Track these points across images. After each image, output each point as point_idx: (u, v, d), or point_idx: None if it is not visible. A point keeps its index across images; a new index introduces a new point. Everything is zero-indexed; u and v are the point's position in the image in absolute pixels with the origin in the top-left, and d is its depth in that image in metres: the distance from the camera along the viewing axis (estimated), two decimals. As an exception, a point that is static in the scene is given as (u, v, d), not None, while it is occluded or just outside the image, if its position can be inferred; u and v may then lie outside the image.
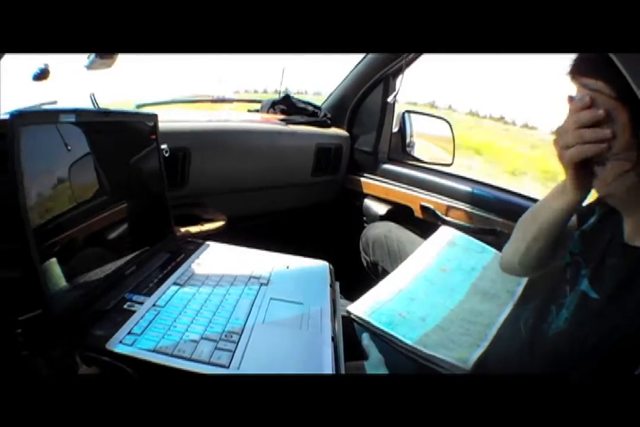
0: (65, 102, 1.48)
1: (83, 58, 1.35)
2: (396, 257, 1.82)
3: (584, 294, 0.99)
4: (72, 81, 1.55)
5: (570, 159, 0.92)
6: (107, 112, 1.19)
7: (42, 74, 1.36)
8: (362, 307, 1.34)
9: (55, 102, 1.54)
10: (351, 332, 1.26)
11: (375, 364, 1.17)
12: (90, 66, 1.38)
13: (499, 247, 1.65)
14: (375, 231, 2.02)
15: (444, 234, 1.77)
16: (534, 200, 1.69)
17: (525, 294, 1.43)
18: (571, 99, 0.93)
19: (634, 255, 0.94)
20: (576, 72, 0.91)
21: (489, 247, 1.73)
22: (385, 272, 1.78)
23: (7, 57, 0.84)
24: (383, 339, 1.27)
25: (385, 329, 1.27)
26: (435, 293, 1.48)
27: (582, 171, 0.95)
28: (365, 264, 2.05)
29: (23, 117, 0.85)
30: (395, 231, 1.98)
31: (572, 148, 0.91)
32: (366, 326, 1.29)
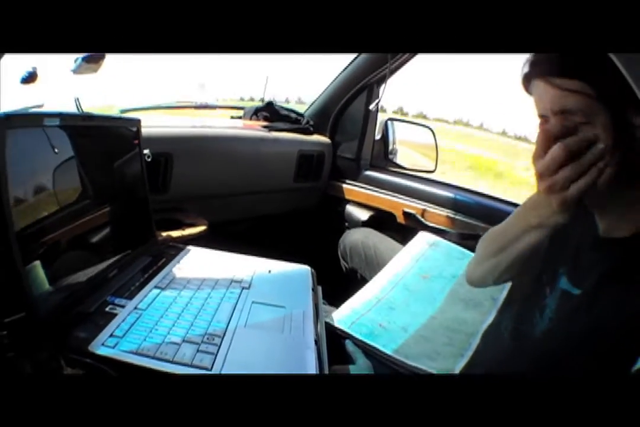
0: (52, 105, 1.48)
1: (70, 62, 1.35)
2: (373, 263, 1.82)
3: (565, 292, 0.99)
4: (60, 85, 1.54)
5: (572, 197, 0.86)
6: (90, 117, 1.19)
7: (30, 77, 1.36)
8: (342, 319, 1.34)
9: (42, 106, 1.54)
10: (335, 337, 1.26)
11: (360, 369, 1.17)
12: (76, 70, 1.38)
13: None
14: (353, 237, 2.02)
15: (422, 239, 1.77)
16: (515, 205, 1.71)
17: (507, 301, 1.41)
18: (545, 119, 0.93)
19: (614, 246, 0.93)
20: (548, 73, 0.89)
21: (469, 253, 1.72)
22: (364, 279, 1.78)
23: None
24: (365, 350, 1.27)
25: (366, 341, 1.27)
26: (416, 302, 1.47)
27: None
28: (344, 270, 2.05)
29: (9, 120, 0.86)
30: (372, 237, 1.98)
31: (572, 186, 0.85)
32: (348, 337, 1.29)
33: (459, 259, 1.69)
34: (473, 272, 1.29)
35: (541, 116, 0.94)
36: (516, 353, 1.06)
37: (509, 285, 1.40)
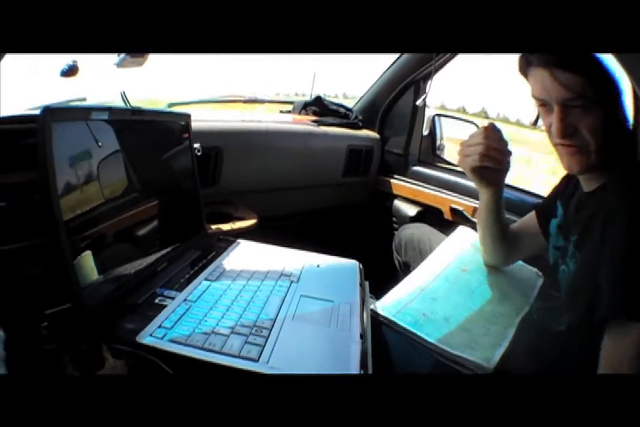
0: (94, 98, 1.50)
1: (113, 55, 1.37)
2: (427, 257, 1.82)
3: (572, 256, 1.10)
4: (100, 78, 1.56)
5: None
6: (140, 111, 1.20)
7: (70, 71, 1.38)
8: (387, 307, 1.34)
9: (84, 99, 1.56)
10: (378, 331, 1.26)
11: (403, 357, 1.19)
12: (120, 64, 1.39)
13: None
14: (408, 231, 2.02)
15: (462, 233, 1.76)
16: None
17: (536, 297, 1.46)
18: (543, 102, 1.06)
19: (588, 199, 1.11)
20: (553, 64, 0.98)
21: None
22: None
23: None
24: (408, 339, 1.27)
25: (411, 329, 1.27)
26: (456, 293, 1.47)
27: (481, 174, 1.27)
28: (397, 264, 2.04)
29: (54, 114, 0.87)
30: (427, 233, 1.98)
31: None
32: (391, 326, 1.29)
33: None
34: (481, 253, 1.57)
35: (539, 99, 1.06)
36: (546, 339, 1.15)
37: (539, 282, 1.53)
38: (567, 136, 1.02)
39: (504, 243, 1.49)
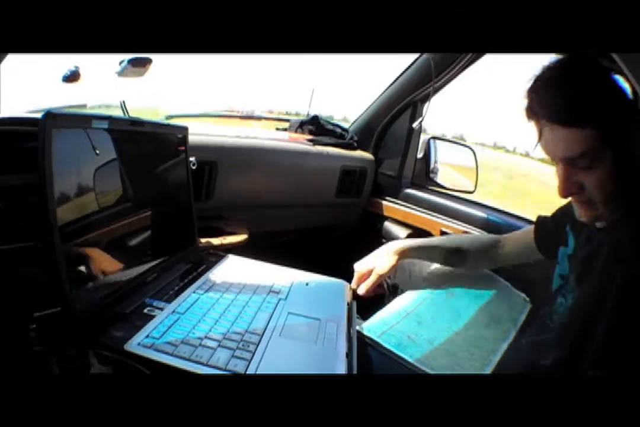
0: (95, 105, 1.51)
1: (114, 63, 1.37)
2: (417, 280, 1.83)
3: (571, 291, 1.11)
4: (102, 85, 1.57)
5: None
6: (139, 122, 1.21)
7: (72, 76, 1.38)
8: (372, 328, 1.35)
9: (84, 106, 1.56)
10: (364, 351, 1.27)
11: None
12: (121, 73, 1.40)
13: (515, 275, 1.68)
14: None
15: None
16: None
17: (526, 321, 1.46)
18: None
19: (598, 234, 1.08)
20: (557, 119, 0.93)
21: (494, 275, 1.74)
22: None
23: (37, 57, 0.85)
24: (392, 360, 1.28)
25: (395, 351, 1.28)
26: (442, 317, 1.48)
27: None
28: (385, 286, 2.05)
29: (56, 119, 0.88)
30: None
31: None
32: (376, 346, 1.30)
33: (484, 279, 1.70)
34: None
35: (550, 157, 1.01)
36: (535, 367, 1.11)
37: (528, 308, 1.52)
38: (571, 194, 1.00)
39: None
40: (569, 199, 1.04)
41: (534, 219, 1.76)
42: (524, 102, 1.01)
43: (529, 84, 0.98)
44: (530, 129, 1.02)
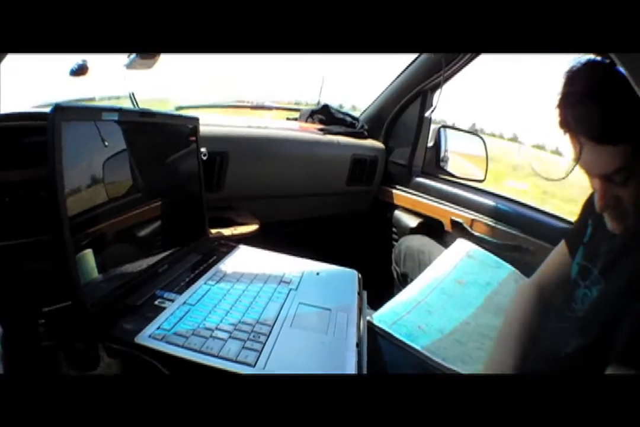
0: (103, 96, 1.51)
1: (122, 56, 1.37)
2: (426, 269, 1.83)
3: (597, 283, 1.08)
4: (110, 78, 1.57)
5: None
6: (149, 113, 1.21)
7: (79, 70, 1.38)
8: (383, 318, 1.35)
9: (93, 99, 1.56)
10: (374, 341, 1.27)
11: (397, 368, 1.20)
12: (130, 66, 1.40)
13: (523, 264, 1.67)
14: (409, 243, 2.03)
15: (460, 246, 1.77)
16: (562, 220, 1.72)
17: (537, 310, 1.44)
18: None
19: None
20: (594, 137, 0.90)
21: (505, 263, 1.74)
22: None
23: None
24: (403, 350, 1.28)
25: (406, 341, 1.28)
26: (452, 306, 1.49)
27: None
28: (395, 275, 2.05)
29: (65, 113, 0.88)
30: (427, 245, 1.99)
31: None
32: (386, 337, 1.30)
33: (493, 267, 1.70)
34: None
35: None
36: (548, 359, 1.14)
37: None
38: (609, 207, 0.97)
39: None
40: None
41: (541, 207, 1.76)
42: (556, 114, 0.98)
43: (561, 96, 0.96)
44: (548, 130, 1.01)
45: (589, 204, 1.25)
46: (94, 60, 1.38)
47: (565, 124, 0.96)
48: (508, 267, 1.72)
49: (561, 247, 1.34)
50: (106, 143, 1.01)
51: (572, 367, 1.04)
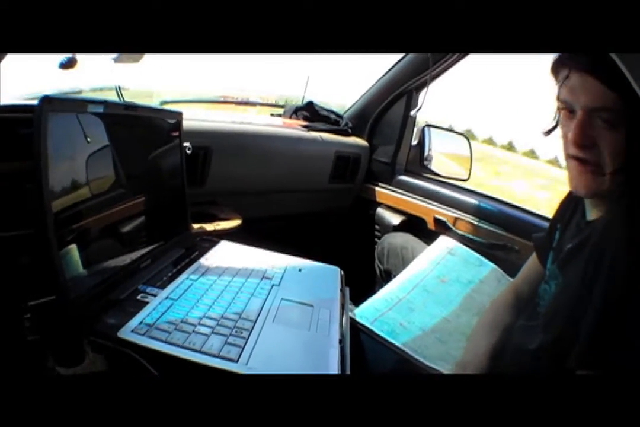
0: (90, 88, 1.51)
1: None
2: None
3: (555, 277, 1.11)
4: (99, 71, 1.56)
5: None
6: (133, 107, 1.21)
7: (68, 63, 1.38)
8: (364, 315, 1.36)
9: (80, 92, 1.56)
10: (357, 337, 1.27)
11: (380, 365, 1.20)
12: (118, 59, 1.40)
13: (507, 263, 1.67)
14: (392, 240, 2.04)
15: (443, 243, 1.78)
16: (545, 218, 1.73)
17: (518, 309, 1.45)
18: (569, 110, 0.98)
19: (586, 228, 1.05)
20: (590, 68, 0.89)
21: (487, 261, 1.74)
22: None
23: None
24: (385, 347, 1.28)
25: (388, 338, 1.29)
26: (433, 303, 1.49)
27: None
28: (378, 271, 2.06)
29: (52, 104, 0.87)
30: (411, 242, 2.00)
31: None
32: (368, 333, 1.31)
33: (475, 265, 1.71)
34: None
35: (564, 103, 0.98)
36: (515, 358, 1.15)
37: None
38: (583, 147, 0.94)
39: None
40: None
41: (524, 206, 1.78)
42: (553, 57, 0.98)
43: None
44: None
45: (558, 211, 1.29)
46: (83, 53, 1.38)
47: (560, 60, 0.97)
48: (490, 265, 1.72)
49: (534, 255, 1.38)
50: (91, 136, 1.01)
51: (536, 365, 1.05)
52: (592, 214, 1.07)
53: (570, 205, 1.21)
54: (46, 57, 1.34)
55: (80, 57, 1.38)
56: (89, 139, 1.00)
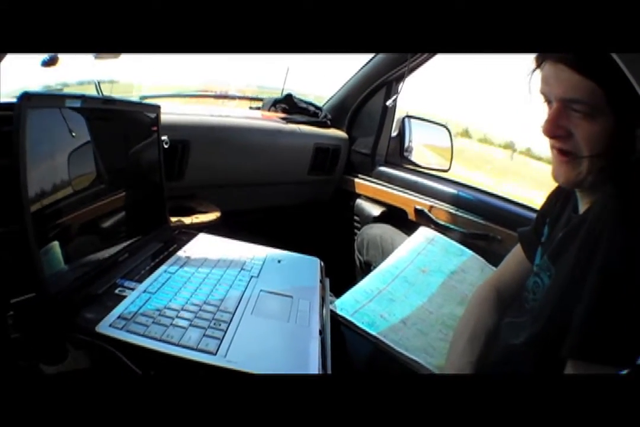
0: (70, 83, 1.50)
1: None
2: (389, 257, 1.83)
3: (547, 270, 1.10)
4: (80, 67, 1.56)
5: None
6: (111, 100, 1.20)
7: (51, 61, 1.38)
8: (344, 307, 1.35)
9: (61, 89, 1.55)
10: (337, 329, 1.27)
11: (361, 356, 1.20)
12: (97, 55, 1.39)
13: (490, 252, 1.68)
14: (372, 231, 2.05)
15: (423, 234, 1.78)
16: (527, 208, 1.74)
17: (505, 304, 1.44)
18: (548, 101, 0.99)
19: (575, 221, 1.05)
20: (564, 59, 0.91)
21: (468, 251, 1.74)
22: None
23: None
24: (365, 339, 1.28)
25: (368, 331, 1.29)
26: (414, 294, 1.49)
27: None
28: (357, 263, 2.06)
29: (32, 100, 0.87)
30: (391, 233, 2.00)
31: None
32: (349, 325, 1.30)
33: (456, 255, 1.70)
34: None
35: (542, 94, 0.99)
36: (500, 352, 1.15)
37: None
38: (558, 138, 0.97)
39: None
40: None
41: (505, 195, 1.78)
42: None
43: None
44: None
45: (546, 204, 1.29)
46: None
47: (541, 55, 0.98)
48: (471, 255, 1.72)
49: (517, 249, 1.37)
50: (71, 131, 1.00)
51: (523, 360, 1.05)
52: (583, 207, 1.07)
53: (560, 198, 1.21)
54: (29, 55, 1.33)
55: (62, 54, 1.37)
56: (69, 134, 1.00)
